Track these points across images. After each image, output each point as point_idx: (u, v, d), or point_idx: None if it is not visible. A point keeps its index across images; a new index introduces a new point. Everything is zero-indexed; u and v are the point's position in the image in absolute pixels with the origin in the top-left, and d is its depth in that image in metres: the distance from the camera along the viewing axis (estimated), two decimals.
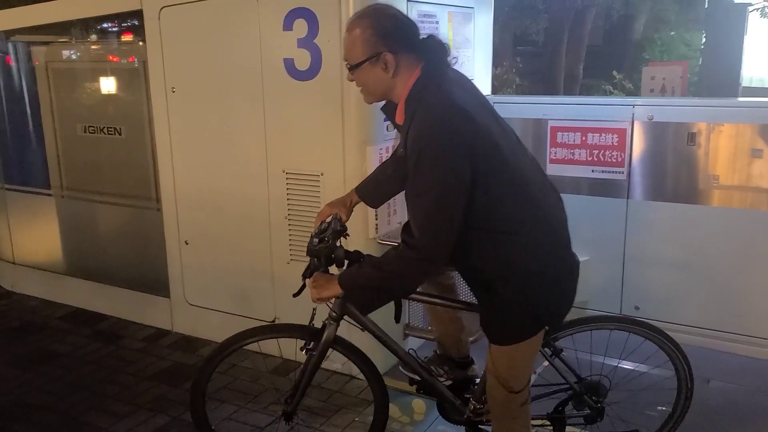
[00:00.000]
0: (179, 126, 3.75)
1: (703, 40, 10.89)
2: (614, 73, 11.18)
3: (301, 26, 3.17)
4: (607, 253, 3.86)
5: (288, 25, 3.20)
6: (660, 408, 2.71)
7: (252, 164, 3.51)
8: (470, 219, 1.91)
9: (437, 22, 3.56)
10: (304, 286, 2.23)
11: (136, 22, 3.86)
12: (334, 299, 2.25)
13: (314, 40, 3.15)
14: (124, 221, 4.30)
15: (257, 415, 3.10)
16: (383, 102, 2.21)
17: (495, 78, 12.45)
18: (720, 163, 3.54)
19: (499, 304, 2.05)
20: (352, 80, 2.09)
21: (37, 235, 4.78)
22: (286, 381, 3.42)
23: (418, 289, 2.37)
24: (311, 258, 2.20)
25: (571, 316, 2.26)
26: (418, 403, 3.15)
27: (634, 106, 3.71)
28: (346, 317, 2.32)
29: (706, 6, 10.35)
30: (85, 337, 4.06)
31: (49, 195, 4.61)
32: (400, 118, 2.05)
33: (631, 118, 3.69)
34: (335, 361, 2.68)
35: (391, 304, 2.33)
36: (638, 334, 2.51)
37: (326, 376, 3.39)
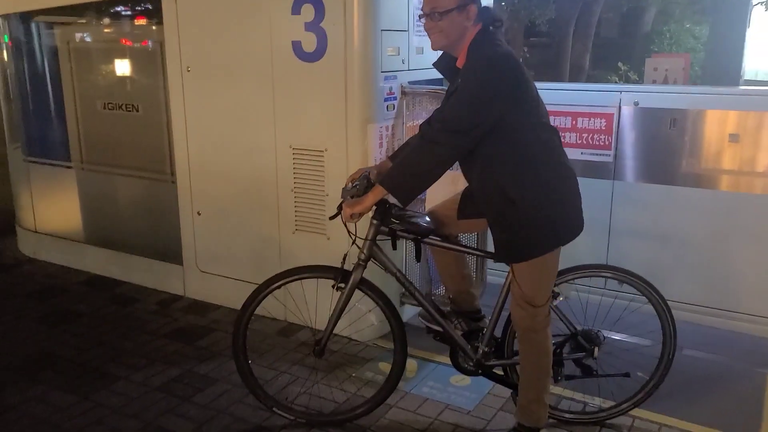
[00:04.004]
0: (193, 103, 4.00)
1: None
2: (620, 64, 11.32)
3: (308, 11, 3.40)
4: (594, 231, 4.08)
5: (296, 10, 3.43)
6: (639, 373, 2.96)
7: (261, 140, 3.76)
8: (494, 138, 2.29)
9: None
10: (338, 213, 2.53)
11: (153, 5, 4.09)
12: (363, 241, 2.60)
13: (320, 24, 3.39)
14: (140, 193, 4.57)
15: (263, 369, 3.37)
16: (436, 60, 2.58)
17: None
18: (699, 147, 3.76)
19: (518, 221, 2.35)
20: (426, 27, 2.39)
21: (57, 205, 5.06)
22: (289, 341, 3.70)
23: (439, 240, 2.65)
24: (343, 196, 2.56)
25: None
26: (411, 363, 3.41)
27: (621, 92, 3.93)
28: (372, 260, 2.65)
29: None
30: (103, 299, 4.35)
31: (69, 167, 4.88)
32: (461, 62, 2.40)
33: (618, 104, 3.91)
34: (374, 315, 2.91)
35: (412, 246, 2.60)
36: (629, 283, 2.77)
37: (343, 344, 3.64)
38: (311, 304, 3.17)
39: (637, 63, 12.72)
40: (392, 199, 2.50)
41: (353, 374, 3.35)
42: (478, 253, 2.88)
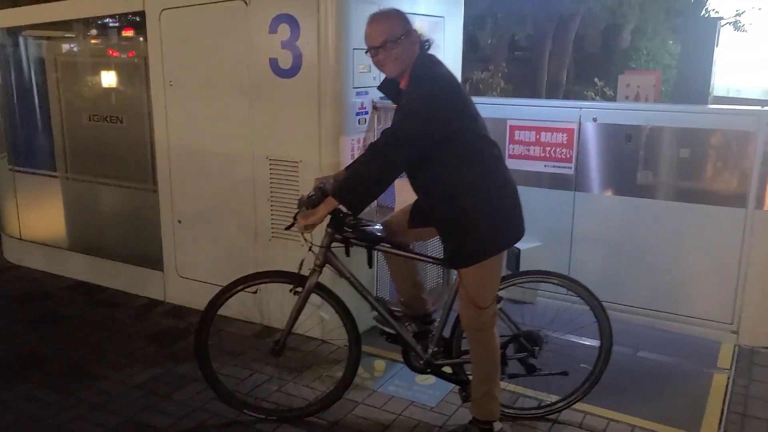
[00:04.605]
0: (175, 116, 4.19)
1: None
2: (596, 80, 11.67)
3: (284, 30, 3.62)
4: (556, 240, 4.31)
5: (273, 29, 3.65)
6: (582, 365, 3.17)
7: (239, 151, 3.96)
8: (439, 150, 2.50)
9: None
10: (293, 224, 2.72)
11: (138, 19, 4.28)
12: (318, 248, 2.80)
13: (296, 43, 3.60)
14: (123, 201, 4.73)
15: (238, 369, 3.55)
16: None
17: (481, 81, 13.00)
18: (653, 161, 4.00)
19: (463, 229, 2.55)
20: (380, 59, 2.59)
21: (42, 213, 5.21)
22: (264, 344, 3.88)
23: (389, 247, 2.85)
24: (299, 206, 2.73)
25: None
26: (379, 363, 3.61)
27: (581, 108, 4.17)
28: (327, 266, 2.84)
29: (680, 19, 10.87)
30: (87, 304, 4.51)
31: (55, 177, 5.05)
32: (404, 83, 2.63)
33: (578, 119, 4.15)
34: (326, 312, 3.10)
35: (364, 253, 2.80)
36: (566, 287, 2.99)
37: (301, 341, 3.82)
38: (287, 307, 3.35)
39: (614, 79, 13.08)
40: None
41: (325, 374, 3.53)
42: (427, 259, 3.02)
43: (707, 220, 3.90)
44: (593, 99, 11.52)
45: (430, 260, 2.97)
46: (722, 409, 3.20)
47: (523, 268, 3.96)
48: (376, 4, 3.57)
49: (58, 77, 4.91)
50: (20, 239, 5.36)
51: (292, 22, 3.59)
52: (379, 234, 2.84)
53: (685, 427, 3.06)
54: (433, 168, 2.56)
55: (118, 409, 3.17)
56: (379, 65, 2.63)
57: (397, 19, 2.59)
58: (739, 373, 3.57)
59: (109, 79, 4.73)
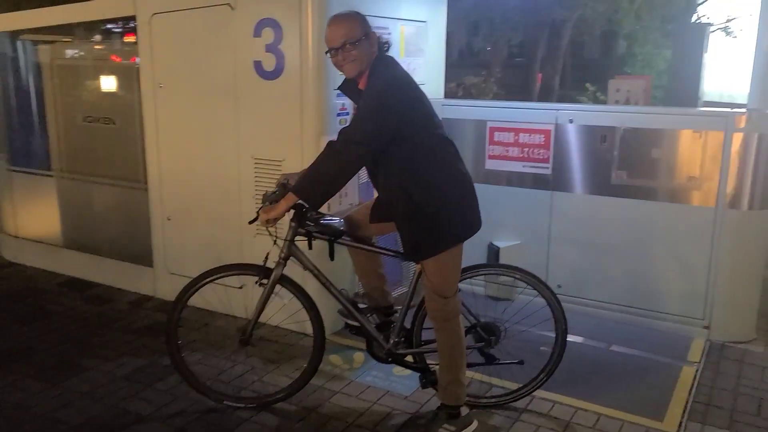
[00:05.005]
0: (165, 117, 4.34)
1: None
2: (587, 85, 11.80)
3: (268, 34, 3.76)
4: (535, 238, 4.44)
5: (257, 33, 3.79)
6: (542, 348, 3.29)
7: (226, 151, 4.09)
8: (394, 148, 2.63)
9: (389, 34, 4.14)
10: (257, 218, 2.85)
11: (129, 28, 4.43)
12: (283, 241, 2.92)
13: (279, 46, 3.74)
14: (115, 200, 4.87)
15: (222, 360, 3.67)
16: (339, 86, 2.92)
17: (474, 86, 13.15)
18: (626, 161, 4.12)
19: (421, 222, 2.67)
20: (339, 60, 2.70)
21: (38, 211, 5.35)
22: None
23: (350, 241, 2.99)
24: (263, 201, 2.85)
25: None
26: (358, 355, 3.72)
27: (557, 110, 4.30)
28: (291, 258, 2.97)
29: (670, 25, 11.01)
30: (78, 300, 4.63)
31: (50, 176, 5.18)
32: (363, 84, 2.74)
33: (555, 121, 4.27)
34: (284, 297, 3.20)
35: (326, 247, 2.92)
36: (522, 280, 3.11)
37: (282, 334, 3.95)
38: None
39: (607, 83, 13.22)
40: None
41: (304, 365, 3.64)
42: (387, 252, 3.09)
43: (679, 219, 4.02)
44: (585, 103, 11.69)
45: (389, 253, 3.06)
46: (687, 399, 3.32)
47: None
48: (356, 7, 3.69)
49: (54, 80, 5.06)
50: (16, 237, 5.49)
51: (276, 26, 3.73)
52: (340, 228, 2.96)
53: (650, 415, 3.17)
54: (389, 165, 2.69)
55: (102, 397, 3.29)
56: (338, 66, 2.75)
57: (357, 21, 2.71)
58: (708, 366, 3.68)
59: (102, 82, 4.87)
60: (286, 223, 2.95)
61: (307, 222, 2.92)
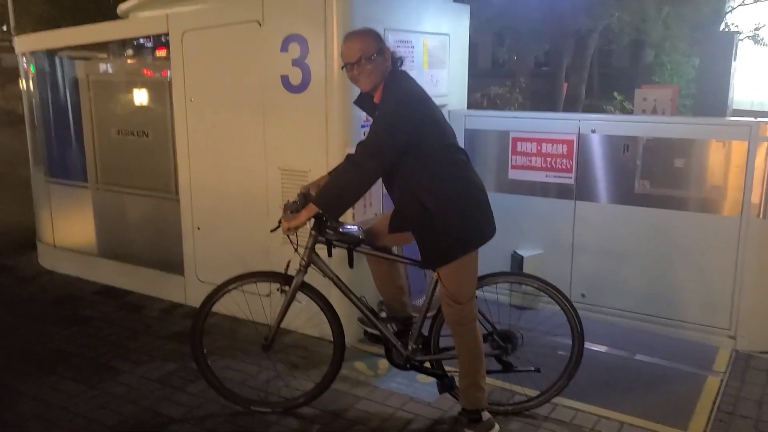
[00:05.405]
0: (195, 130, 4.48)
1: None
2: (615, 94, 11.74)
3: (294, 48, 3.88)
4: (558, 248, 4.46)
5: (284, 48, 3.91)
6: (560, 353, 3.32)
7: (253, 162, 4.22)
8: (407, 159, 2.72)
9: (413, 47, 4.24)
10: (279, 226, 2.97)
11: (162, 44, 4.60)
12: (304, 249, 3.03)
13: (305, 60, 3.86)
14: (148, 210, 5.04)
15: (249, 365, 3.77)
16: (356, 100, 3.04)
17: (498, 96, 13.18)
18: (649, 171, 4.13)
19: (436, 231, 2.74)
20: (354, 75, 2.81)
21: (74, 221, 5.55)
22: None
23: (369, 249, 3.07)
24: (285, 211, 2.96)
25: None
26: (383, 362, 3.78)
27: (579, 120, 4.33)
28: (312, 266, 3.07)
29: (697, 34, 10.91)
30: (112, 307, 4.79)
31: (85, 187, 5.38)
32: (378, 98, 2.84)
33: (577, 131, 4.31)
34: (301, 301, 3.27)
35: (346, 256, 3.01)
36: (540, 289, 3.14)
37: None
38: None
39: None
40: None
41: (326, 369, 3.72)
42: (405, 261, 3.18)
43: (703, 228, 4.01)
44: (612, 113, 11.63)
45: (406, 261, 3.15)
46: (711, 409, 3.31)
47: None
48: (380, 22, 3.82)
49: (89, 94, 5.25)
50: (54, 246, 5.69)
51: (302, 41, 3.85)
52: (359, 236, 3.05)
53: (674, 424, 3.17)
54: (403, 176, 2.78)
55: (136, 400, 3.42)
56: (354, 80, 2.85)
57: (372, 37, 2.83)
58: (733, 376, 3.66)
59: (136, 96, 5.06)
60: (307, 232, 3.05)
61: (327, 230, 3.01)
